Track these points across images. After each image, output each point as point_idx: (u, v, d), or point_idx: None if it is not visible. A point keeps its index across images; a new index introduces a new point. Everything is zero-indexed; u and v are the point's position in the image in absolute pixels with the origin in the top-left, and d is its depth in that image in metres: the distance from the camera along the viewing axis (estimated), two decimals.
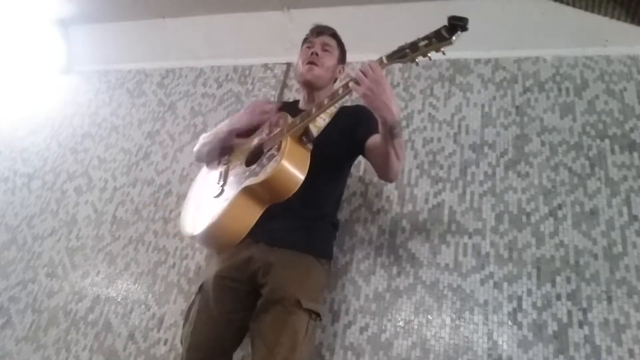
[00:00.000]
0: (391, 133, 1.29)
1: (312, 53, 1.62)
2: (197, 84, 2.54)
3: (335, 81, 1.73)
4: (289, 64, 2.36)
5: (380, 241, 1.75)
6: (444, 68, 2.08)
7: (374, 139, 1.44)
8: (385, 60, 1.28)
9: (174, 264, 1.99)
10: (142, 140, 2.45)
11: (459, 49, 2.06)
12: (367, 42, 2.26)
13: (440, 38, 1.20)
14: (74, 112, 2.75)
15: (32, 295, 2.15)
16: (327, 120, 1.43)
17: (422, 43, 1.22)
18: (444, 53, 1.23)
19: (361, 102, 1.35)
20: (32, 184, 2.55)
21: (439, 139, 1.91)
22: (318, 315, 1.39)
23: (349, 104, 1.73)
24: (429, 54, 1.23)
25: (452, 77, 2.04)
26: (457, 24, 1.20)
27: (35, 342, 2.01)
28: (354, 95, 1.35)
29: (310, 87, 1.64)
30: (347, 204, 1.84)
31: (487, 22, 2.04)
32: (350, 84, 1.29)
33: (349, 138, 1.52)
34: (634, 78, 1.82)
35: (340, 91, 1.34)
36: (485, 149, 1.83)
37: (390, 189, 1.84)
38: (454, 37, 1.19)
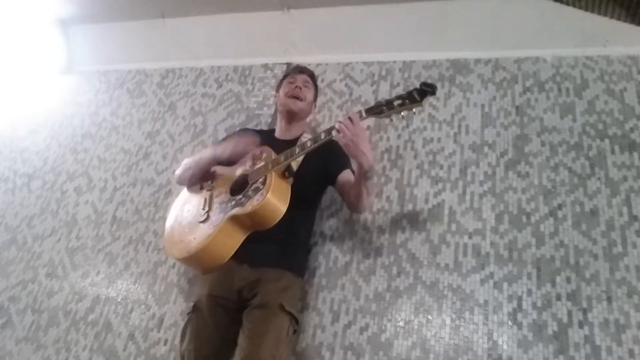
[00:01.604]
0: (366, 176, 1.48)
1: (296, 87, 1.81)
2: (197, 84, 2.54)
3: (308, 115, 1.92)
4: (289, 64, 2.36)
5: (380, 241, 1.75)
6: (444, 68, 2.07)
7: (345, 176, 1.65)
8: (364, 114, 1.46)
9: (174, 264, 1.98)
10: (142, 140, 2.45)
11: (459, 49, 2.09)
12: (367, 42, 2.27)
13: (412, 100, 1.39)
14: (74, 112, 2.75)
15: (32, 295, 2.15)
16: (303, 154, 1.60)
17: (397, 102, 1.41)
18: (415, 113, 1.42)
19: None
20: (32, 184, 2.55)
21: (439, 139, 1.91)
22: (297, 322, 1.53)
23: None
24: (402, 113, 1.42)
25: (452, 77, 2.04)
26: (427, 90, 1.38)
27: (35, 342, 2.01)
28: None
29: (291, 117, 1.81)
30: None
31: (487, 22, 2.05)
32: (334, 133, 1.45)
33: (322, 172, 1.69)
34: (634, 78, 1.82)
35: (322, 136, 1.51)
36: (485, 149, 1.83)
37: (390, 189, 1.84)
38: (423, 101, 1.38)
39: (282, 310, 1.47)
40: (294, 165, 1.61)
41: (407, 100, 1.40)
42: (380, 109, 1.44)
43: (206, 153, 1.78)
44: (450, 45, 2.11)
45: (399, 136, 1.97)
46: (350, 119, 1.43)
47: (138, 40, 2.77)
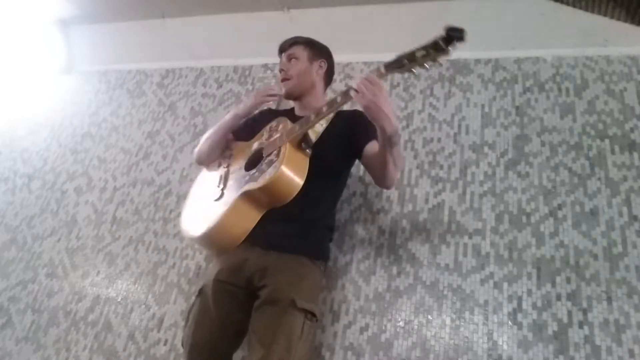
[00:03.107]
0: (390, 142, 1.33)
1: (280, 70, 1.71)
2: (197, 84, 2.54)
3: (323, 77, 1.75)
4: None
5: (380, 241, 1.74)
6: (444, 68, 2.07)
7: (372, 146, 1.49)
8: (383, 71, 1.30)
9: (174, 264, 1.99)
10: (142, 140, 2.45)
11: (459, 49, 2.08)
12: (367, 42, 2.27)
13: (437, 48, 1.20)
14: (74, 112, 2.75)
15: (32, 295, 2.15)
16: (325, 125, 1.48)
17: (420, 53, 1.23)
18: (440, 64, 1.24)
19: (358, 107, 1.37)
20: (32, 184, 2.55)
21: (439, 139, 1.91)
22: (314, 315, 1.39)
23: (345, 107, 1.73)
24: (426, 64, 1.24)
25: (452, 77, 2.04)
26: (453, 35, 1.19)
27: (35, 342, 2.01)
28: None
29: (293, 97, 1.71)
30: (347, 204, 1.84)
31: (487, 22, 2.05)
32: (352, 93, 1.31)
33: (346, 144, 1.55)
34: (634, 78, 1.82)
35: (338, 99, 1.37)
36: (485, 149, 1.83)
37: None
38: (450, 48, 1.20)
39: (294, 308, 1.33)
40: (313, 136, 1.47)
41: (431, 50, 1.21)
42: (401, 63, 1.26)
43: (225, 117, 1.73)
44: None
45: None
46: (368, 78, 1.29)
47: (138, 40, 2.76)
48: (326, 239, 1.62)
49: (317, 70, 1.72)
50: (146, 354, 1.82)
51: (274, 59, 2.44)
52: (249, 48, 2.48)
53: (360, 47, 2.26)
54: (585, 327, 1.43)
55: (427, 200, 1.78)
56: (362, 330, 1.61)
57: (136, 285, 2.00)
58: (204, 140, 1.75)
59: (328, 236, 1.63)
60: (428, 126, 1.96)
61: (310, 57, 1.72)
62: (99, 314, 1.98)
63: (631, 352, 1.37)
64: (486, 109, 1.92)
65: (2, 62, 2.95)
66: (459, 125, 1.91)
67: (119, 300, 1.99)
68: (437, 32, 2.24)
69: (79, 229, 2.27)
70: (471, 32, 2.23)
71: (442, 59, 1.22)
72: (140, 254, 2.07)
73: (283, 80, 1.69)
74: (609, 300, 1.45)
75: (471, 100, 1.96)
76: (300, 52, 1.71)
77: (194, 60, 2.63)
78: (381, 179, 1.46)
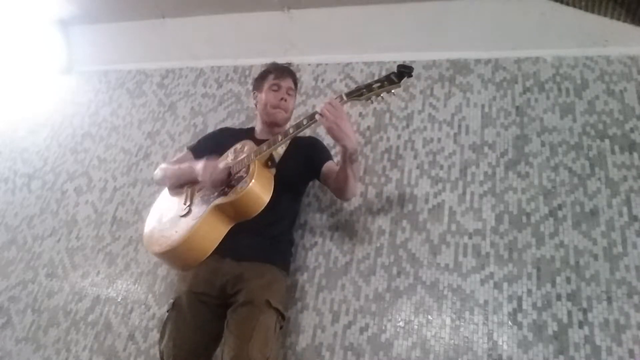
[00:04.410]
0: (351, 158, 1.50)
1: (281, 99, 1.77)
2: (197, 84, 2.54)
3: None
4: (289, 64, 2.36)
5: (380, 241, 1.75)
6: (444, 68, 2.07)
7: (329, 166, 1.68)
8: (345, 98, 1.48)
9: None
10: (142, 140, 2.45)
11: (459, 49, 2.09)
12: (367, 42, 2.27)
13: (390, 82, 1.44)
14: (74, 112, 2.75)
15: (32, 295, 2.15)
16: (284, 147, 1.63)
17: (376, 85, 1.45)
18: (394, 94, 1.46)
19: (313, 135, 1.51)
20: (32, 184, 2.55)
21: (439, 139, 1.91)
22: (283, 317, 1.52)
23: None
24: (381, 95, 1.46)
25: (452, 77, 2.04)
26: (404, 71, 1.43)
27: (35, 342, 2.01)
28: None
29: (274, 126, 1.79)
30: (347, 204, 1.84)
31: (487, 22, 2.05)
32: (317, 117, 1.47)
33: (307, 165, 1.71)
34: (634, 78, 1.82)
35: (304, 122, 1.52)
36: (485, 149, 1.83)
37: (390, 189, 1.84)
38: (402, 82, 1.43)
39: (269, 307, 1.45)
40: (276, 156, 1.63)
41: (385, 82, 1.44)
42: (359, 92, 1.46)
43: (186, 169, 1.69)
44: (450, 45, 2.11)
45: (399, 136, 1.97)
46: (330, 103, 1.46)
47: (138, 40, 2.77)
48: (289, 253, 1.73)
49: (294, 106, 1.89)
50: (146, 354, 1.82)
51: (273, 58, 2.44)
52: (249, 48, 2.48)
53: (360, 47, 2.26)
54: (585, 327, 1.43)
55: (427, 200, 1.78)
56: (362, 330, 1.61)
57: (136, 285, 2.00)
58: (163, 177, 1.79)
59: (290, 251, 1.74)
60: (428, 126, 1.96)
61: (295, 95, 1.89)
62: (99, 314, 1.98)
63: (631, 352, 1.37)
64: (486, 109, 1.92)
65: (2, 62, 2.95)
66: (459, 125, 1.91)
67: (119, 300, 1.99)
68: (436, 32, 2.25)
69: (79, 229, 2.27)
70: (471, 32, 2.24)
71: (396, 91, 1.45)
72: (140, 254, 2.07)
73: (282, 108, 1.77)
74: (609, 300, 1.45)
75: (471, 100, 1.96)
76: (294, 88, 1.86)
77: (194, 60, 2.63)
78: (342, 192, 1.62)
